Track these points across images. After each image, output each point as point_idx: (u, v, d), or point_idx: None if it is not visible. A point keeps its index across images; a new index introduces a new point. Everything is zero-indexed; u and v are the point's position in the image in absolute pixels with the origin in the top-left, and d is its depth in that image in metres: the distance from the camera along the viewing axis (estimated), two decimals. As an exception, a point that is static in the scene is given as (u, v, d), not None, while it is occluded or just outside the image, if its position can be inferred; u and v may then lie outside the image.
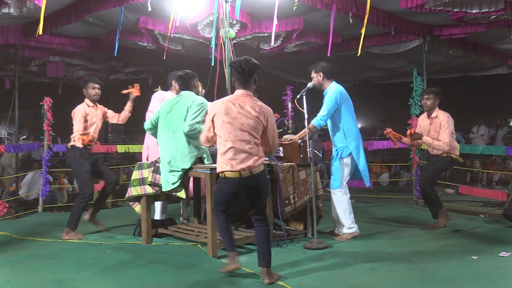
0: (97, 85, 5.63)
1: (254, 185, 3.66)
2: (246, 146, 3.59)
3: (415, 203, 7.59)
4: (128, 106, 5.83)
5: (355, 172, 5.20)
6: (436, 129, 5.40)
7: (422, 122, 5.67)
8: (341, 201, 5.08)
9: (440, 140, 5.33)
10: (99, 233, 5.57)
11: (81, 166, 5.36)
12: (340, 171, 5.09)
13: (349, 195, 5.15)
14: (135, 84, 5.78)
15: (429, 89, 5.62)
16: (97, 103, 5.70)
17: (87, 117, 5.50)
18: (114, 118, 5.86)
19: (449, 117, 5.37)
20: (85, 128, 5.47)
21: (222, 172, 3.65)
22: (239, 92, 3.71)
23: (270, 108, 3.74)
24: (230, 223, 3.89)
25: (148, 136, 5.70)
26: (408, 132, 5.47)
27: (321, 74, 5.15)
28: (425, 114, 5.66)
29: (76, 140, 5.31)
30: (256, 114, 3.61)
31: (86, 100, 5.62)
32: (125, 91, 5.75)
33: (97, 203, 5.66)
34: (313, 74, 5.19)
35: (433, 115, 5.47)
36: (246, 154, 3.59)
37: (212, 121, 3.69)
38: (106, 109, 5.85)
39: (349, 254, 4.53)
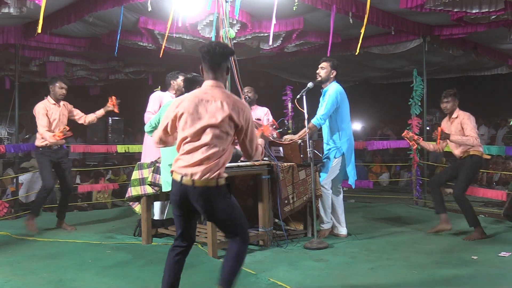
0: (65, 86, 5.82)
1: (196, 201, 2.89)
2: (206, 150, 2.87)
3: (415, 203, 7.62)
4: (100, 113, 6.05)
5: (346, 172, 5.25)
6: (457, 130, 5.29)
7: (445, 125, 5.52)
8: (325, 196, 5.15)
9: (468, 135, 5.17)
10: (99, 233, 5.58)
11: (41, 163, 5.66)
12: (329, 169, 5.14)
13: (330, 191, 5.20)
14: (113, 97, 5.98)
15: (446, 92, 5.46)
16: (61, 102, 5.83)
17: (48, 113, 5.65)
18: (81, 118, 6.07)
19: (470, 116, 5.27)
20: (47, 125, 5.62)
21: (172, 171, 3.00)
22: (207, 83, 3.00)
23: (246, 104, 3.06)
24: (181, 266, 3.21)
25: (147, 137, 5.69)
26: (434, 133, 5.24)
27: (334, 73, 5.16)
28: (447, 117, 5.53)
29: (49, 138, 5.45)
30: (227, 111, 2.89)
31: (49, 97, 5.77)
32: (109, 103, 5.96)
33: (59, 211, 5.94)
34: (326, 65, 5.16)
35: (454, 115, 5.37)
36: (200, 159, 2.86)
37: (172, 119, 3.00)
38: (72, 107, 6.01)
39: (349, 254, 4.54)
